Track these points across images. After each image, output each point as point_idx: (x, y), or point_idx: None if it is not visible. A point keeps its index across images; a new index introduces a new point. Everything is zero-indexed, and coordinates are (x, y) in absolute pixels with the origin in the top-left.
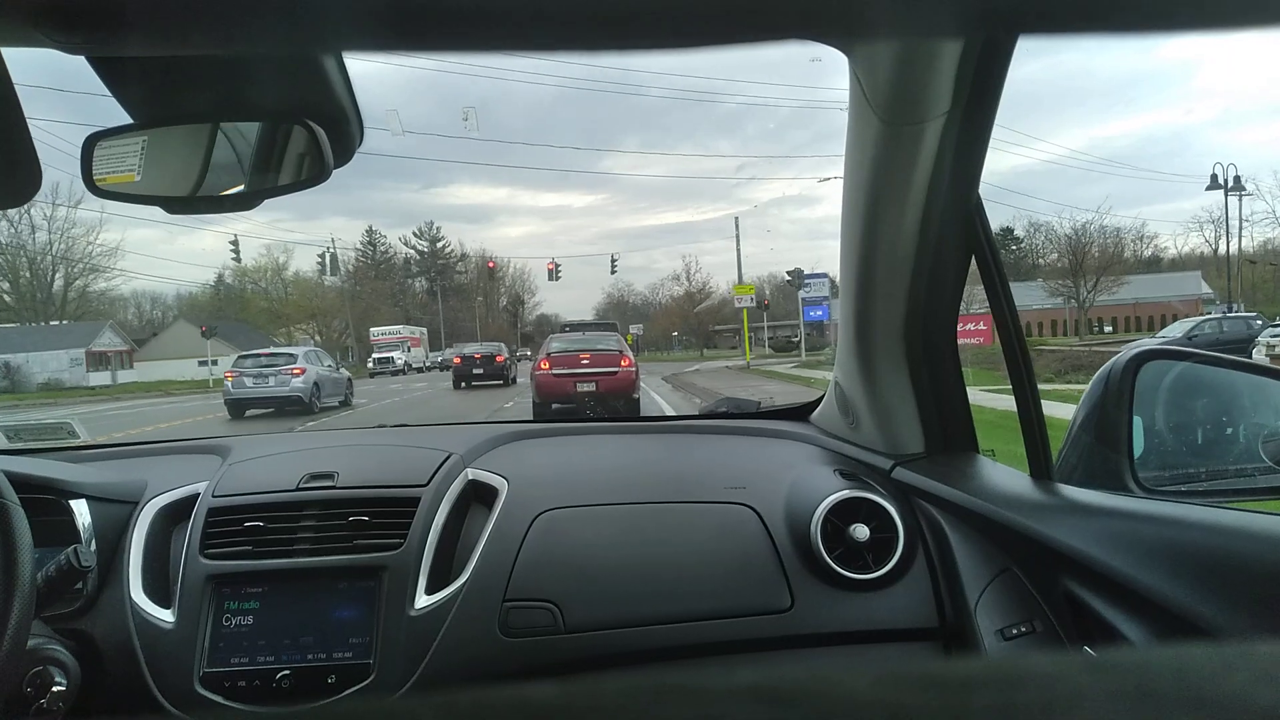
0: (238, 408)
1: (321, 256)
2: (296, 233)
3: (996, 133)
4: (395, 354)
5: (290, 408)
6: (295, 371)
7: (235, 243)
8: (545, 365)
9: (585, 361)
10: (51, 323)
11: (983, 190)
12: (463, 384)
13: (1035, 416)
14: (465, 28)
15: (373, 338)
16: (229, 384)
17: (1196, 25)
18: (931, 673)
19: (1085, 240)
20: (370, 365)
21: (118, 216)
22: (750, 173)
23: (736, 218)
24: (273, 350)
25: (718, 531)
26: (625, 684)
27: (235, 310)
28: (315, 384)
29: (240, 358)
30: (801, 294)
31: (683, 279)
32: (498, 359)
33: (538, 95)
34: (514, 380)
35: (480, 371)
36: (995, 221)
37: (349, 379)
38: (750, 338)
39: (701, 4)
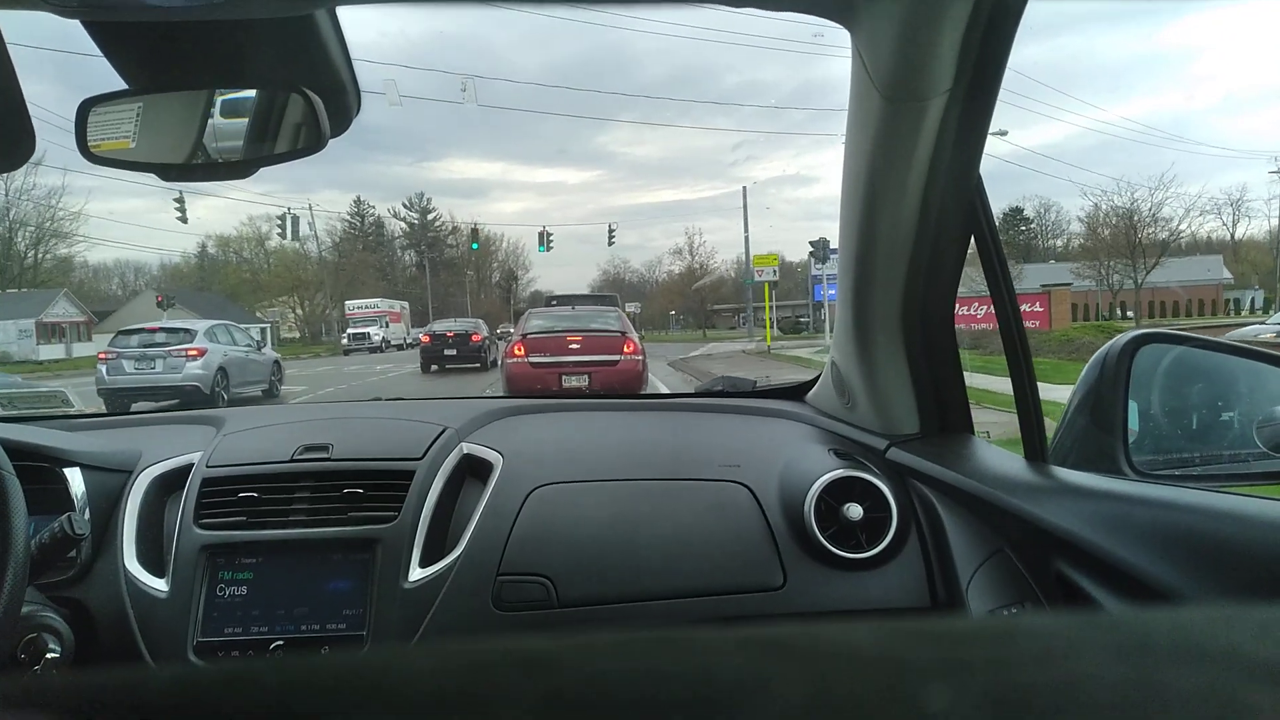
0: (115, 399)
1: (281, 219)
2: (294, 202)
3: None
4: (372, 329)
5: (186, 400)
6: (191, 353)
7: (180, 200)
8: (519, 351)
9: (575, 347)
10: (7, 290)
11: (1030, 161)
12: (433, 367)
13: (1031, 398)
14: None
15: (348, 312)
16: (102, 369)
17: None
18: (928, 627)
19: (1097, 221)
20: (344, 341)
21: (80, 180)
22: (747, 152)
23: (745, 187)
24: (163, 325)
25: (711, 509)
26: (618, 637)
27: (216, 281)
28: (221, 369)
29: (120, 334)
30: (818, 270)
31: (685, 253)
32: (473, 338)
33: (534, 70)
34: (493, 363)
35: (453, 353)
36: (1001, 201)
37: (275, 361)
38: (757, 317)
39: None
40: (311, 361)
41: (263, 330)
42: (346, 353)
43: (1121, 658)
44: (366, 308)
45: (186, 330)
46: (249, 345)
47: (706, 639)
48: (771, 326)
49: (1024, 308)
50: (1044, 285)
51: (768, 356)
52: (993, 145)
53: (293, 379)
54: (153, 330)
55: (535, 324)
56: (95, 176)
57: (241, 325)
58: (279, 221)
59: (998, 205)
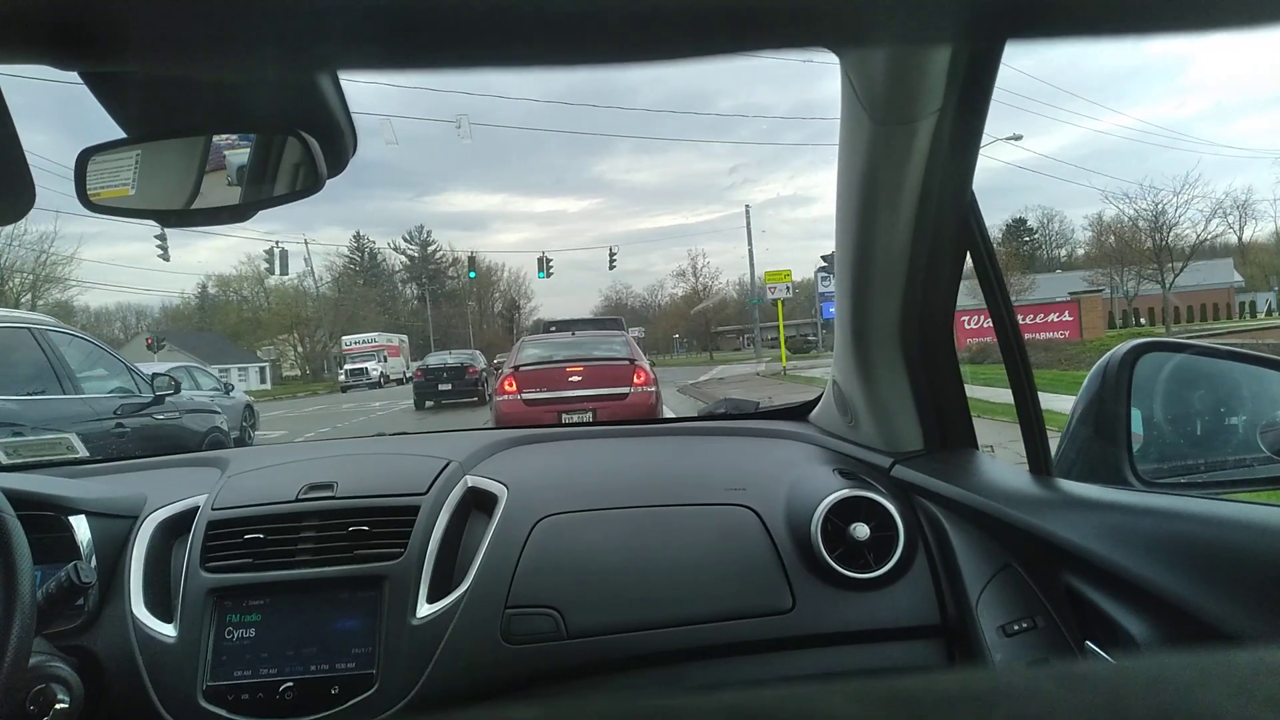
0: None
1: (269, 253)
2: (297, 240)
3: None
4: (370, 365)
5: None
6: None
7: (162, 237)
8: (511, 386)
9: (576, 379)
10: None
11: (1042, 167)
12: (428, 403)
13: (1033, 411)
14: (459, 45)
15: (344, 347)
16: None
17: (1185, 27)
18: (907, 690)
19: (1103, 228)
20: (341, 378)
21: (70, 226)
22: (744, 175)
23: (748, 205)
24: None
25: (718, 533)
26: (605, 705)
27: (216, 321)
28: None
29: None
30: (828, 287)
31: (688, 275)
32: (469, 372)
33: (530, 102)
34: (490, 397)
35: (448, 387)
36: (1011, 211)
37: (247, 405)
38: (762, 338)
39: (692, 14)
40: (305, 400)
41: (261, 369)
42: (344, 389)
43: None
44: (363, 342)
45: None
46: (214, 389)
47: (691, 708)
48: (774, 346)
49: (1051, 317)
50: (1072, 293)
51: (784, 379)
52: (1006, 152)
53: (275, 422)
54: None
55: (530, 354)
56: (96, 223)
57: (207, 367)
58: (266, 256)
59: (1009, 213)
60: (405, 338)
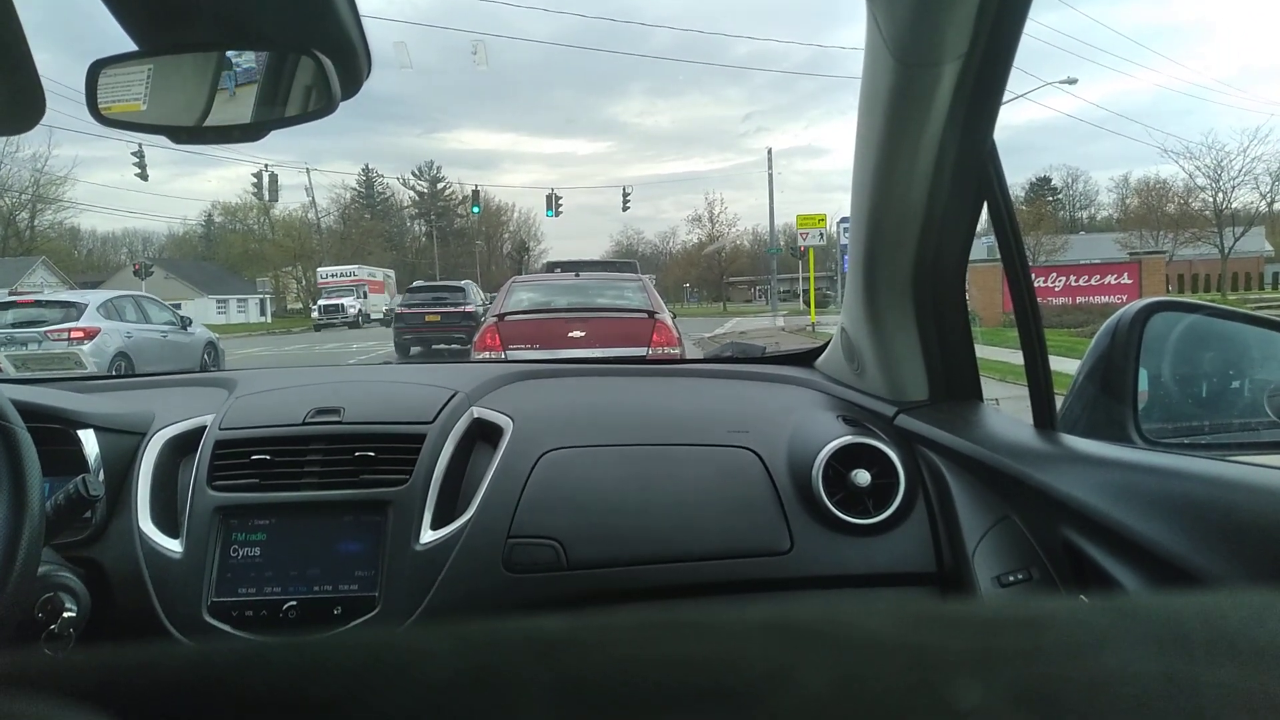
0: None
1: (257, 177)
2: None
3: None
4: (346, 300)
5: None
6: (75, 334)
7: (139, 154)
8: (494, 340)
9: (578, 335)
10: None
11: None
12: (413, 349)
13: (1041, 366)
14: None
15: (319, 280)
16: None
17: None
18: (952, 615)
19: (1128, 193)
20: (314, 314)
21: (70, 148)
22: (758, 123)
23: (769, 149)
24: (40, 298)
25: (719, 474)
26: (636, 618)
27: (220, 250)
28: (121, 354)
29: None
30: (847, 239)
31: (704, 220)
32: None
33: (545, 38)
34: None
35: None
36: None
37: (209, 343)
38: (777, 290)
39: None
40: (283, 339)
41: (261, 301)
42: (317, 328)
43: (1153, 650)
44: (341, 275)
45: (72, 305)
46: (170, 323)
47: (727, 622)
48: (800, 299)
49: (1109, 279)
50: (1133, 253)
51: (814, 335)
52: (1057, 100)
53: (243, 364)
54: (26, 304)
55: (520, 298)
56: (104, 146)
57: (167, 301)
58: (254, 179)
59: (1032, 171)
60: (392, 273)
